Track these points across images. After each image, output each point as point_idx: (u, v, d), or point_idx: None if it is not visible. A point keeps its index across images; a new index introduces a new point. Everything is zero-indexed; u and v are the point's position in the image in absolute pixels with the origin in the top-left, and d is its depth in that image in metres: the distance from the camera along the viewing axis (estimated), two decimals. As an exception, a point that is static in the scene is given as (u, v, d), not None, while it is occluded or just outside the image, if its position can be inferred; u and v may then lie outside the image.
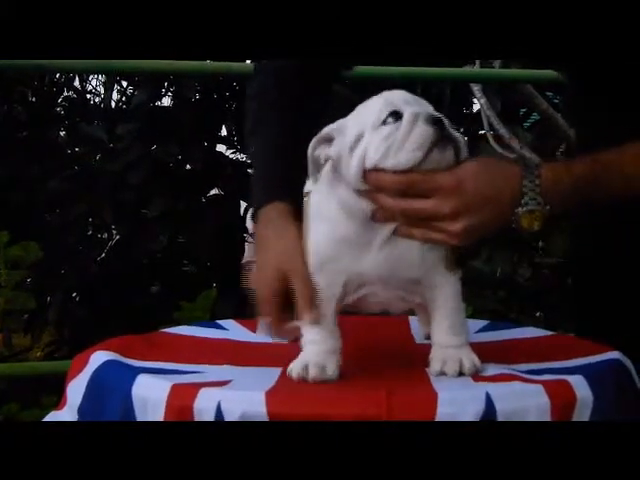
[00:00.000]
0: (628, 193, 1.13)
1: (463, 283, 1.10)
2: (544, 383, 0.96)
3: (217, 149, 3.68)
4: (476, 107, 3.51)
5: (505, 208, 1.07)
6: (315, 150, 1.07)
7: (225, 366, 1.11)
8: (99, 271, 3.48)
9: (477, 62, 2.88)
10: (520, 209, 1.07)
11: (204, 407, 0.94)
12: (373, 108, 1.05)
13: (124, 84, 3.98)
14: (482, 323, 1.36)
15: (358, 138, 1.04)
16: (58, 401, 1.14)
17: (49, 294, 3.47)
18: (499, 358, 1.10)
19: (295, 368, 1.04)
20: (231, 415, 0.93)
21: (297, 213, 1.13)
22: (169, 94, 3.73)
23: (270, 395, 0.94)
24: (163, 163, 3.43)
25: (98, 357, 1.09)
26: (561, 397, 0.95)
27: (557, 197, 1.08)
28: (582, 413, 0.96)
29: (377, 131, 1.03)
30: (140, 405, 0.98)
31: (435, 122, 1.02)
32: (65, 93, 3.96)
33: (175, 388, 0.97)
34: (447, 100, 3.39)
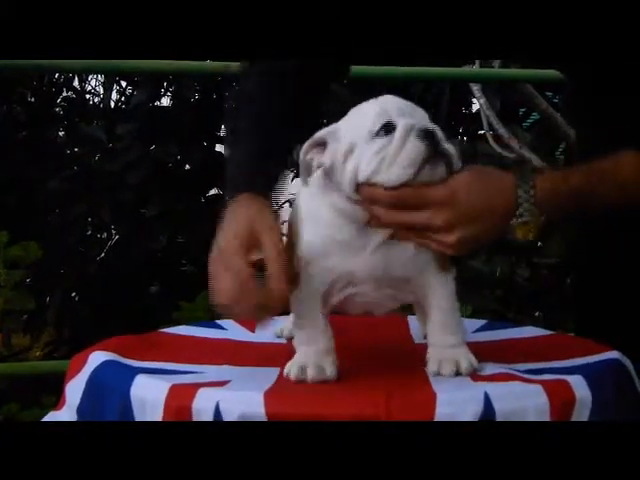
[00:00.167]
0: (623, 201, 1.13)
1: (462, 283, 1.10)
2: (543, 383, 0.96)
3: (216, 149, 3.68)
4: (475, 107, 3.51)
5: (499, 219, 1.07)
6: (307, 154, 1.06)
7: (224, 366, 1.11)
8: (98, 271, 3.48)
9: (477, 62, 2.88)
10: (515, 220, 1.07)
11: (203, 407, 0.94)
12: (366, 118, 1.04)
13: (123, 84, 3.98)
14: (480, 323, 1.36)
15: (351, 148, 1.04)
16: (57, 401, 1.14)
17: (48, 294, 3.48)
18: (498, 358, 1.10)
19: (293, 370, 1.04)
20: (230, 415, 0.92)
21: (270, 208, 1.11)
22: (168, 94, 3.73)
23: (269, 395, 0.94)
24: (162, 163, 3.43)
25: (96, 357, 1.09)
26: (560, 397, 0.95)
27: (552, 207, 1.09)
28: (581, 413, 0.96)
29: (369, 144, 1.02)
30: (139, 405, 0.98)
31: (427, 136, 1.01)
32: (64, 93, 3.96)
33: (174, 388, 0.97)
34: (446, 100, 3.39)
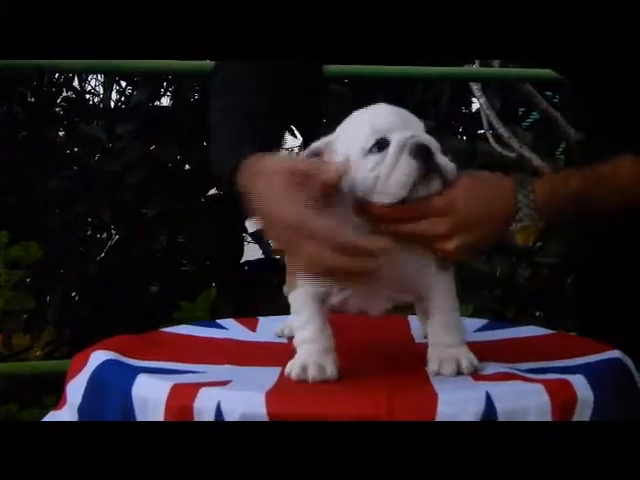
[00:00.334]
0: (621, 205, 1.13)
1: (463, 283, 1.10)
2: (545, 382, 0.96)
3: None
4: (475, 106, 3.51)
5: (499, 224, 1.08)
6: None
7: (225, 366, 1.11)
8: (98, 271, 3.48)
9: (476, 61, 2.88)
10: (515, 225, 1.07)
11: (204, 407, 0.94)
12: (359, 132, 1.03)
13: (123, 84, 3.97)
14: (482, 322, 1.36)
15: (346, 161, 1.03)
16: (57, 401, 1.14)
17: (49, 294, 3.48)
18: (499, 357, 1.10)
19: (294, 369, 1.04)
20: (231, 415, 0.92)
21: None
22: (168, 94, 3.73)
23: (270, 395, 0.94)
24: (162, 163, 3.43)
25: (98, 357, 1.09)
26: (562, 396, 0.95)
27: (552, 211, 1.09)
28: (583, 413, 0.96)
29: (363, 160, 1.02)
30: (140, 405, 0.98)
31: (421, 151, 1.00)
32: (64, 93, 3.96)
33: (175, 388, 0.97)
34: (446, 99, 3.39)
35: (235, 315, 1.48)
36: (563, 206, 1.10)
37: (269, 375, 1.04)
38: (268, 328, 1.33)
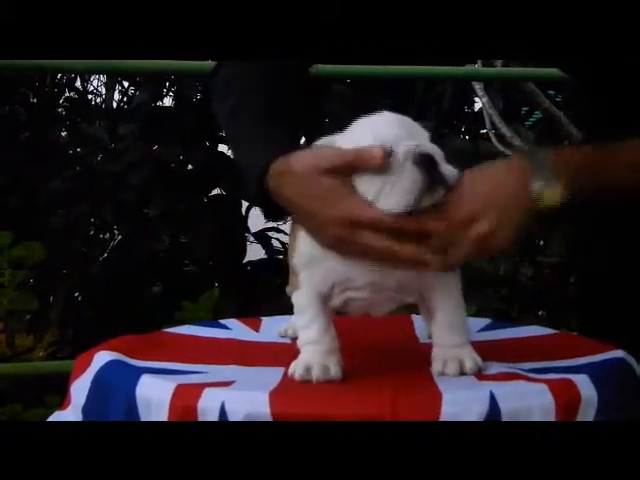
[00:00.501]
0: (634, 180, 1.12)
1: (466, 282, 1.10)
2: (548, 382, 0.96)
3: (219, 149, 3.68)
4: (478, 106, 3.51)
5: (516, 200, 1.06)
6: None
7: (229, 366, 1.11)
8: (101, 271, 3.48)
9: (479, 61, 2.88)
10: (535, 184, 1.05)
11: (208, 407, 0.94)
12: (364, 141, 1.02)
13: (125, 84, 3.98)
14: (485, 322, 1.36)
15: None
16: (62, 401, 1.14)
17: (51, 294, 3.48)
18: (502, 357, 1.10)
19: (298, 370, 1.04)
20: (235, 415, 0.92)
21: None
22: (170, 94, 3.73)
23: (274, 395, 0.94)
24: (164, 163, 3.43)
25: (102, 357, 1.09)
26: (565, 396, 0.95)
27: (567, 174, 1.07)
28: (587, 412, 0.96)
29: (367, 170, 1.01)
30: (144, 405, 0.98)
31: (425, 161, 0.99)
32: (66, 94, 3.97)
33: (179, 388, 0.97)
34: (449, 99, 3.39)
35: (238, 315, 1.48)
36: (577, 173, 1.09)
37: (273, 375, 1.04)
38: (272, 328, 1.33)
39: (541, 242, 3.14)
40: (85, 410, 1.06)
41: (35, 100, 3.81)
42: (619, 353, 1.09)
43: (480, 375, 1.03)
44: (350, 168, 1.01)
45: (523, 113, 3.53)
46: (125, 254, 3.50)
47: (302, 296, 1.07)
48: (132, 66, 2.35)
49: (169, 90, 3.69)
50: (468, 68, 2.81)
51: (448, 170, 1.01)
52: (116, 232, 3.63)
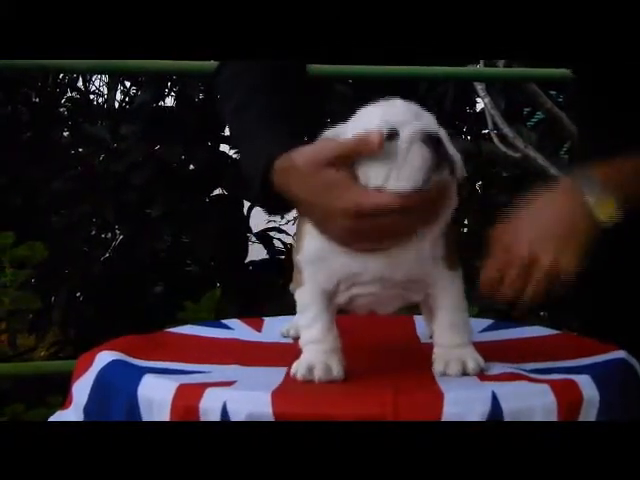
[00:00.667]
0: None
1: (468, 282, 1.10)
2: (550, 383, 0.96)
3: (220, 149, 3.68)
4: (480, 106, 3.51)
5: (575, 215, 1.08)
6: None
7: (231, 366, 1.11)
8: (103, 271, 3.49)
9: (481, 61, 2.88)
10: (589, 204, 1.07)
11: (210, 407, 0.94)
12: (371, 124, 1.02)
13: (127, 84, 3.98)
14: (487, 322, 1.36)
15: None
16: (63, 400, 1.14)
17: (54, 294, 3.48)
18: (504, 357, 1.10)
19: (300, 369, 1.04)
20: (237, 415, 0.92)
21: None
22: (172, 94, 3.73)
23: (276, 395, 0.94)
24: (166, 163, 3.43)
25: (103, 357, 1.09)
26: (568, 397, 0.95)
27: (617, 187, 1.09)
28: (589, 413, 0.96)
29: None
30: (146, 405, 0.98)
31: (432, 141, 0.99)
32: (68, 94, 3.97)
33: (181, 388, 0.97)
34: (450, 99, 3.39)
35: (239, 315, 1.48)
36: (624, 183, 1.10)
37: (275, 375, 1.04)
38: (274, 328, 1.33)
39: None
40: (87, 410, 1.06)
41: (37, 100, 3.82)
42: (621, 354, 1.09)
43: (482, 375, 1.03)
44: (351, 157, 1.01)
45: (525, 114, 3.53)
46: (127, 254, 3.51)
47: (305, 294, 1.07)
48: (134, 66, 2.35)
49: (171, 90, 3.70)
50: (470, 68, 2.81)
51: (453, 151, 1.02)
52: (118, 232, 3.64)
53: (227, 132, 3.71)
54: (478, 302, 1.06)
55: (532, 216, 1.06)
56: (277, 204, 1.09)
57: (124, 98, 4.04)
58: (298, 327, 1.13)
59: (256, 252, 3.71)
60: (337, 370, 1.03)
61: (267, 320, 1.42)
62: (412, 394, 0.96)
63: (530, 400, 0.94)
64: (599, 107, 1.36)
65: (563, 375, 1.00)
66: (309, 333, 1.07)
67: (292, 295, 1.12)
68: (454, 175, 1.02)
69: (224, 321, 1.41)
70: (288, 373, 1.05)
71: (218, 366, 1.11)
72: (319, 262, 1.05)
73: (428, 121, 1.03)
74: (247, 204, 3.61)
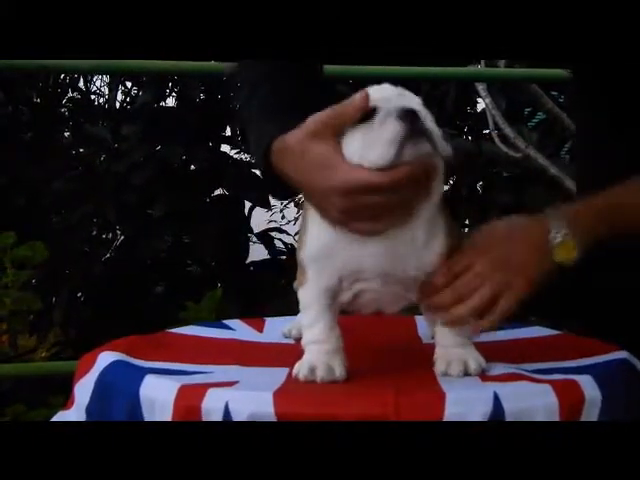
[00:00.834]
0: None
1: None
2: (552, 383, 0.96)
3: (221, 149, 3.68)
4: (481, 106, 3.51)
5: (537, 248, 1.09)
6: None
7: (232, 366, 1.11)
8: (104, 271, 3.49)
9: (482, 61, 2.88)
10: (552, 240, 1.09)
11: (212, 407, 0.94)
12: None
13: (128, 84, 3.98)
14: (488, 323, 1.36)
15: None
16: (64, 401, 1.14)
17: (55, 294, 3.48)
18: (506, 357, 1.10)
19: (302, 370, 1.03)
20: (239, 415, 0.92)
21: None
22: (173, 94, 3.73)
23: (278, 395, 0.94)
24: (167, 163, 3.43)
25: (105, 357, 1.09)
26: (569, 397, 0.95)
27: (582, 228, 1.11)
28: (590, 413, 0.96)
29: (354, 130, 1.02)
30: (148, 405, 0.98)
31: (407, 116, 1.00)
32: (69, 94, 3.97)
33: (183, 388, 0.97)
34: (452, 99, 3.39)
35: (241, 316, 1.48)
36: (592, 224, 1.13)
37: (277, 375, 1.04)
38: (275, 329, 1.33)
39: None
40: (89, 410, 1.06)
41: (38, 100, 3.82)
42: (623, 354, 1.09)
43: (484, 375, 1.03)
44: (336, 125, 1.02)
45: (526, 114, 3.53)
46: (128, 254, 3.51)
47: (308, 292, 1.07)
48: (135, 66, 2.35)
49: (172, 90, 3.70)
50: (471, 69, 2.81)
51: (432, 126, 1.02)
52: (119, 232, 3.64)
53: (228, 132, 3.72)
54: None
55: (492, 241, 1.09)
56: (285, 188, 1.10)
57: (125, 98, 4.04)
58: (301, 326, 1.13)
59: (257, 252, 3.71)
60: (339, 371, 1.03)
61: (268, 320, 1.42)
62: (414, 394, 0.96)
63: (532, 400, 0.94)
64: (599, 107, 1.36)
65: (565, 375, 1.00)
66: (311, 332, 1.07)
67: (294, 295, 1.12)
68: (437, 151, 1.02)
69: (225, 321, 1.41)
70: (290, 373, 1.05)
71: (220, 366, 1.11)
72: (322, 259, 1.05)
73: (410, 100, 1.04)
74: (248, 204, 3.61)
